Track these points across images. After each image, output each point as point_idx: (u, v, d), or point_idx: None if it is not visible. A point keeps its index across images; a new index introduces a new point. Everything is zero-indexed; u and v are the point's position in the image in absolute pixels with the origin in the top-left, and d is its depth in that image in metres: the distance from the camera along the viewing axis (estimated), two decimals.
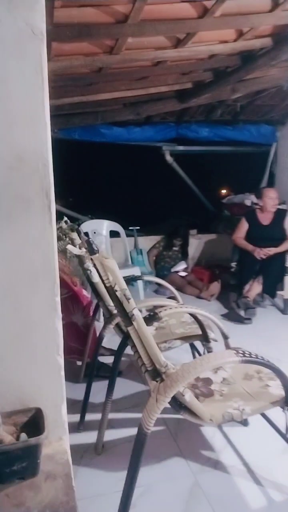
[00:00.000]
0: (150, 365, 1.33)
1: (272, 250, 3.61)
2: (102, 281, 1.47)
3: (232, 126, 5.17)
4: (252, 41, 2.67)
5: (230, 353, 1.29)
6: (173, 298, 3.85)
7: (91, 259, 1.40)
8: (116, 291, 1.23)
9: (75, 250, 1.52)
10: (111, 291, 1.33)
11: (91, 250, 1.19)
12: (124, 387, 2.36)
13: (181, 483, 1.63)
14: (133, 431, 2.01)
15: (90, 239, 1.19)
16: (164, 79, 3.48)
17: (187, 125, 5.04)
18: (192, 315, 2.04)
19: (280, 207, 3.97)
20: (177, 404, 1.37)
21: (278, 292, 3.67)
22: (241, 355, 1.29)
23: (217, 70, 3.41)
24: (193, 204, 6.07)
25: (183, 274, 4.56)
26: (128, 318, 1.25)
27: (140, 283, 3.85)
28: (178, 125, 5.03)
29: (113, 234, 4.36)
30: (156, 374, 1.33)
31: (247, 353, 1.32)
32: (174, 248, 4.78)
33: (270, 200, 3.76)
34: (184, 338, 2.09)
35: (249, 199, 4.76)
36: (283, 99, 4.69)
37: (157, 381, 1.33)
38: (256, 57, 2.90)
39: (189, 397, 1.35)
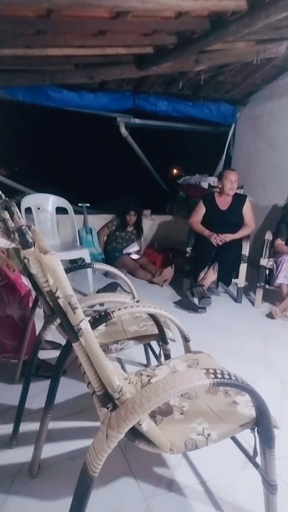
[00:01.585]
0: (100, 388, 1.05)
1: (229, 237, 3.44)
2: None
3: (192, 102, 4.89)
4: (226, 1, 2.36)
5: (200, 374, 1.05)
6: (116, 284, 3.60)
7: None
8: (59, 298, 0.92)
9: (1, 242, 1.16)
10: (51, 297, 1.01)
11: (24, 242, 0.86)
12: (67, 388, 2.06)
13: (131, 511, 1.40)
14: (76, 444, 1.75)
15: (24, 228, 0.86)
16: (123, 39, 3.08)
17: (145, 96, 4.67)
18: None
19: (238, 191, 3.80)
20: (132, 433, 1.11)
21: (233, 280, 3.54)
22: (213, 376, 1.05)
23: (182, 35, 3.07)
24: (147, 182, 5.77)
25: (135, 256, 4.29)
26: (73, 332, 0.95)
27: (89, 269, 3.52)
28: (136, 95, 4.64)
29: (60, 210, 3.95)
30: (107, 399, 1.06)
31: (219, 373, 1.08)
32: (128, 229, 4.47)
33: (229, 183, 3.57)
34: (139, 338, 1.84)
35: (206, 181, 4.55)
36: (246, 77, 4.47)
37: (108, 408, 1.05)
38: (227, 23, 2.61)
39: (147, 426, 1.09)
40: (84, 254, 3.45)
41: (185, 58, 3.62)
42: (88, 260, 3.45)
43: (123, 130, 5.06)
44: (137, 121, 5.03)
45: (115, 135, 5.09)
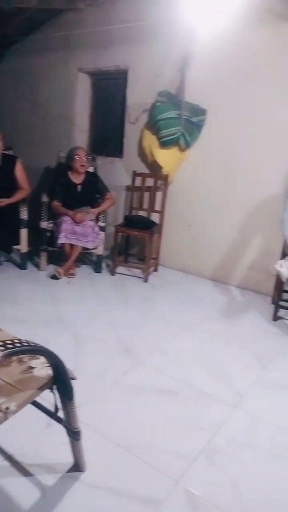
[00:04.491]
0: None
1: (4, 201, 3.22)
2: None
3: None
4: None
5: None
6: None
7: None
8: None
9: None
10: None
11: None
12: None
13: None
14: None
15: None
16: None
17: None
18: None
19: (7, 152, 3.57)
20: None
21: (14, 247, 3.40)
22: (3, 348, 0.98)
23: None
24: None
25: None
26: None
27: None
28: None
29: None
30: None
31: (9, 343, 1.01)
32: None
33: None
34: None
35: None
36: None
37: None
38: None
39: None
40: None
41: None
42: None
43: None
44: None
45: None
